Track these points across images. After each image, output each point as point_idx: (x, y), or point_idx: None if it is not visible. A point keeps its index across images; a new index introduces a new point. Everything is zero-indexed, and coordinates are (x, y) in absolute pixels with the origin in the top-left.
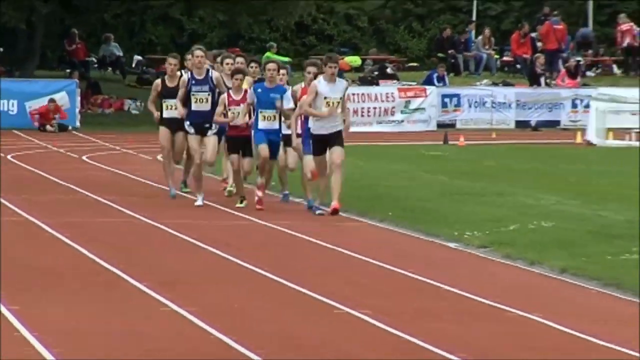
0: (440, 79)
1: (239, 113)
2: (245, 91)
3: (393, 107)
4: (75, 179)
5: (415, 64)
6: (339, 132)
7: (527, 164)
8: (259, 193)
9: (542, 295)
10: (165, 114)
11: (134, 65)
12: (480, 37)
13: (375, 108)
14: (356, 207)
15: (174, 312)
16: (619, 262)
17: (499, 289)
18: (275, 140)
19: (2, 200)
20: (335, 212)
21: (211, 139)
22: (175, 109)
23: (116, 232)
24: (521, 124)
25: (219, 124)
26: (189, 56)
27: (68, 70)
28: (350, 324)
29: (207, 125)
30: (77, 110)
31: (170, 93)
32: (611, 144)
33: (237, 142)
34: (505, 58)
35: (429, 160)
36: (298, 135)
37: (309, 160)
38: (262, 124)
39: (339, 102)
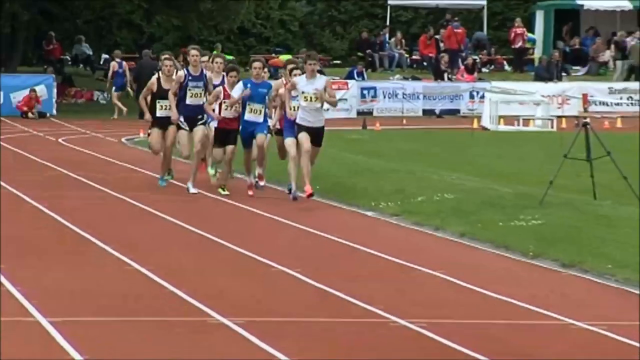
0: (360, 74)
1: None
2: None
3: None
4: (52, 158)
5: (338, 62)
6: (321, 130)
7: (433, 145)
8: (261, 182)
9: (445, 255)
10: (159, 113)
11: (101, 62)
12: (393, 39)
13: None
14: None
15: (136, 270)
16: (509, 228)
17: (409, 251)
18: (260, 132)
19: None
20: (309, 195)
21: (199, 129)
22: (168, 108)
23: (86, 203)
24: (427, 112)
25: (208, 115)
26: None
27: (46, 67)
28: (282, 281)
29: (200, 117)
30: (54, 100)
31: (164, 94)
32: (502, 129)
33: (225, 133)
34: (414, 57)
35: (350, 142)
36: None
37: (289, 142)
38: (248, 116)
39: (316, 98)
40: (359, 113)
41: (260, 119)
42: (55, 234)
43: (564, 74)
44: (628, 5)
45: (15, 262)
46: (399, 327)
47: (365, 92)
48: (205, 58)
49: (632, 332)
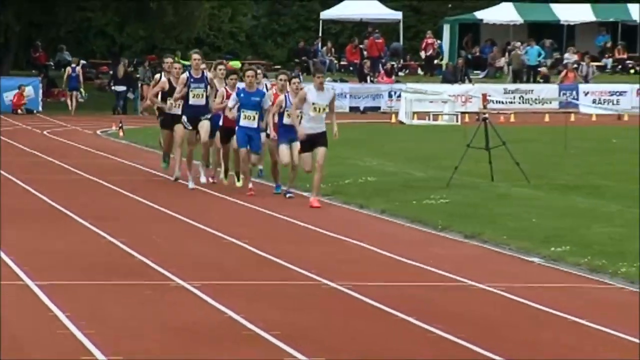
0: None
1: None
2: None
3: None
4: (39, 147)
5: (279, 67)
6: (324, 133)
7: (358, 136)
8: (249, 184)
9: (368, 228)
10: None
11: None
12: (324, 48)
13: None
14: (235, 169)
15: (109, 241)
16: (422, 205)
17: (338, 225)
18: (256, 137)
19: None
20: (312, 207)
21: (205, 123)
22: (178, 107)
23: (68, 185)
24: (353, 109)
25: (217, 111)
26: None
27: (34, 71)
28: (232, 250)
29: (202, 117)
30: (40, 98)
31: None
32: (416, 123)
33: (230, 130)
34: (342, 62)
35: None
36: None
37: (283, 150)
38: (243, 122)
39: (324, 109)
40: None
41: (255, 124)
42: (41, 210)
43: (466, 77)
44: (520, 20)
45: (7, 235)
46: (330, 288)
47: None
48: (214, 63)
49: (524, 292)
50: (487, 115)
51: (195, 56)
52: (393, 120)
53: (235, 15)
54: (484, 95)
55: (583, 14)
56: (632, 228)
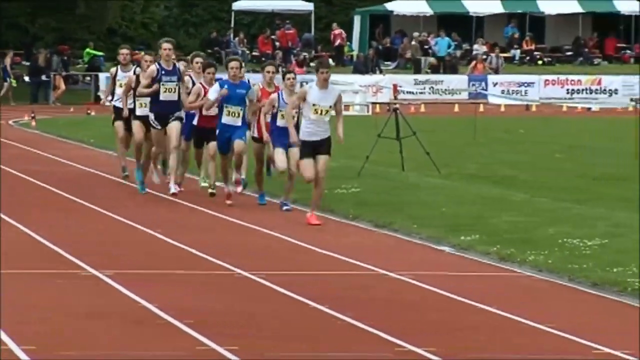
0: None
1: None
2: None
3: None
4: None
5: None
6: (328, 139)
7: None
8: (235, 189)
9: (280, 218)
10: (139, 112)
11: None
12: (236, 39)
13: None
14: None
15: (19, 230)
16: (333, 195)
17: (248, 214)
18: (240, 130)
19: None
20: (310, 224)
21: (173, 125)
22: (146, 106)
23: None
24: None
25: (191, 109)
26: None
27: None
28: (145, 240)
29: (172, 116)
30: None
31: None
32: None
33: (206, 132)
34: (254, 53)
35: None
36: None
37: (279, 155)
38: (225, 119)
39: (327, 111)
40: None
41: (239, 122)
42: None
43: (377, 67)
44: (430, 11)
45: None
46: (243, 277)
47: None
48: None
49: (434, 280)
50: (397, 106)
51: (166, 45)
52: None
53: (147, 6)
54: (395, 86)
55: (492, 5)
56: (539, 217)
